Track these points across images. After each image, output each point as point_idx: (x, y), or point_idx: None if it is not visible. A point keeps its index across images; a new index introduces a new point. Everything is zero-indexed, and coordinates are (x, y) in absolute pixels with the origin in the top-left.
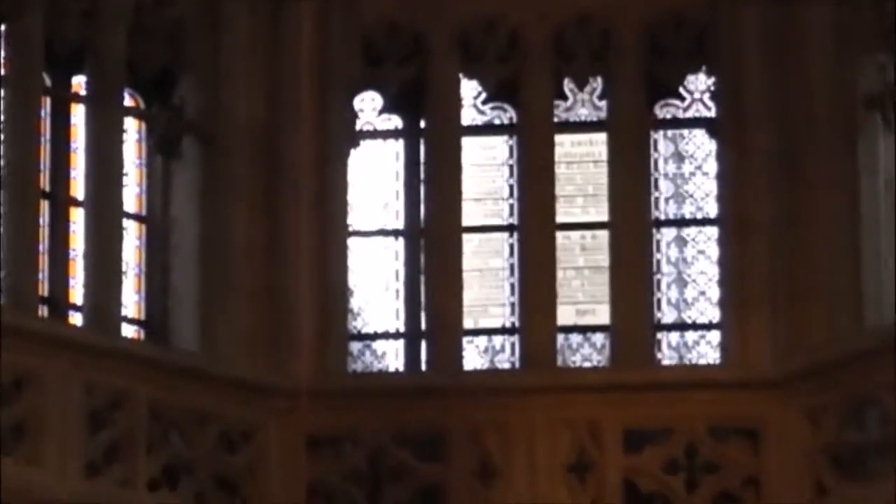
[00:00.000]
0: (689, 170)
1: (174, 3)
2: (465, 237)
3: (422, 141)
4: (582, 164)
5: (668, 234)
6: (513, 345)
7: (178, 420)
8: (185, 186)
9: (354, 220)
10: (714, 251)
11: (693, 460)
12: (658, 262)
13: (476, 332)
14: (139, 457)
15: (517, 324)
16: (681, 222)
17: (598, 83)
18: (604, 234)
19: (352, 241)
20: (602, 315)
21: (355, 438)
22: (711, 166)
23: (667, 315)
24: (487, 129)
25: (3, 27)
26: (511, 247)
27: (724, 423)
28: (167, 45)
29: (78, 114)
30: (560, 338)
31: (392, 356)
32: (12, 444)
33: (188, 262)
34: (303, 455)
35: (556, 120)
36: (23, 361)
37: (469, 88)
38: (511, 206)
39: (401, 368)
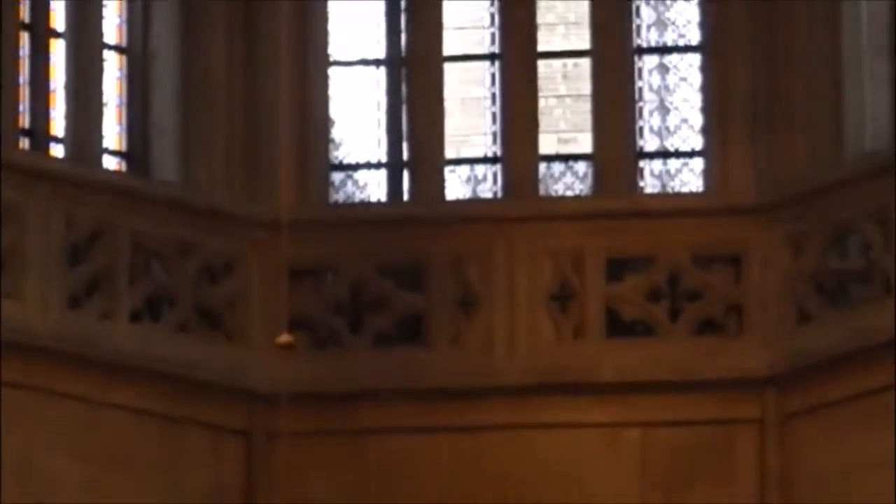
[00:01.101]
0: None
1: None
2: (447, 66)
3: None
4: None
5: (650, 61)
6: (495, 174)
7: (159, 252)
8: (165, 16)
9: (335, 50)
10: (696, 78)
11: (675, 288)
12: (640, 89)
13: (458, 162)
14: (121, 289)
15: (499, 153)
16: (663, 49)
17: None
18: (585, 63)
19: (333, 71)
20: (584, 143)
21: (336, 269)
22: None
23: (649, 143)
24: None
25: None
26: (493, 76)
27: (706, 250)
28: None
29: None
30: (542, 167)
31: (374, 186)
32: None
33: (169, 95)
34: (284, 286)
35: None
36: (3, 194)
37: None
38: (492, 35)
39: (382, 198)
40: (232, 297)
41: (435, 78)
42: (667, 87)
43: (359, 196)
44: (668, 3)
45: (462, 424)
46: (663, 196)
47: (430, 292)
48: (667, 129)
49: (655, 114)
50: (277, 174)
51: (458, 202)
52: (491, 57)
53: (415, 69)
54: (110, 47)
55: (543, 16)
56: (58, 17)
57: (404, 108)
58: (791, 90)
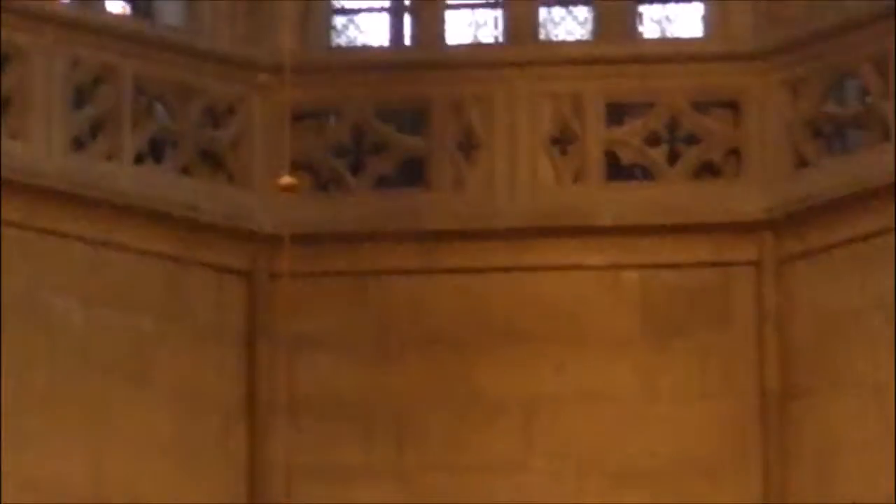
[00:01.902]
0: None
1: None
2: None
3: None
4: None
5: None
6: (496, 18)
7: (162, 94)
8: None
9: None
10: None
11: (674, 132)
12: None
13: (460, 6)
14: (124, 131)
15: None
16: None
17: None
18: None
19: None
20: None
21: (338, 112)
22: None
23: None
24: None
25: None
26: None
27: (705, 95)
28: None
29: None
30: (543, 11)
31: (376, 31)
32: None
33: None
34: (286, 129)
35: None
36: (8, 37)
37: None
38: None
39: (384, 43)
40: (234, 139)
41: None
42: None
43: (361, 40)
44: None
45: (462, 266)
46: (662, 41)
47: (431, 136)
48: None
49: None
50: (281, 17)
51: (459, 46)
52: None
53: None
54: None
55: None
56: None
57: None
58: None
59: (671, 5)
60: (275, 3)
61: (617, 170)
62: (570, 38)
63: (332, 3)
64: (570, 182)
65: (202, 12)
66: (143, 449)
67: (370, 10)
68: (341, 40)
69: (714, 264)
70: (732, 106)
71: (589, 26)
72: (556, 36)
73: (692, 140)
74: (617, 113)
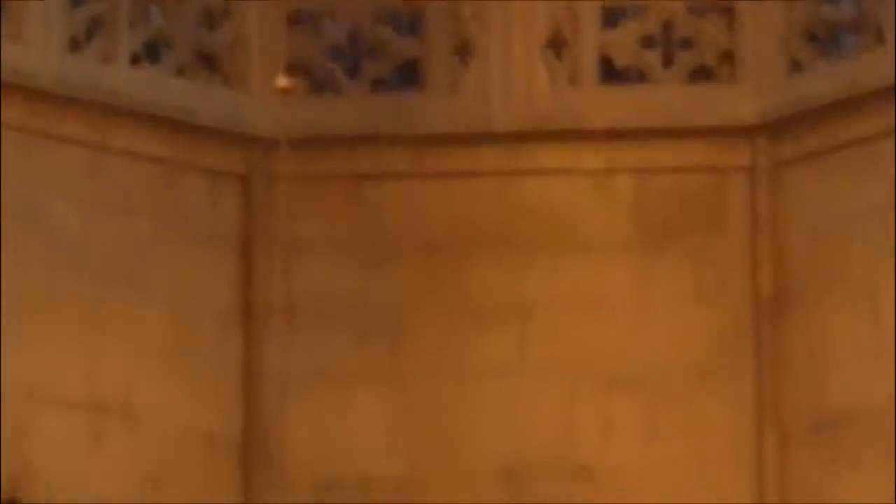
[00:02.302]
0: None
1: None
2: None
3: None
4: None
5: None
6: None
7: None
8: None
9: None
10: None
11: (669, 36)
12: None
13: None
14: (121, 32)
15: None
16: None
17: None
18: None
19: None
20: None
21: (334, 14)
22: None
23: None
24: None
25: None
26: None
27: None
28: None
29: None
30: None
31: None
32: None
33: None
34: (283, 31)
35: None
36: None
37: None
38: None
39: None
40: (231, 41)
41: None
42: None
43: None
44: None
45: (457, 170)
46: None
47: (426, 39)
48: None
49: None
50: None
51: None
52: None
53: None
54: None
55: None
56: None
57: None
58: None
59: None
60: None
61: (611, 73)
62: None
63: None
64: (564, 85)
65: None
66: (139, 352)
67: None
68: None
69: (708, 168)
70: (727, 9)
71: None
72: None
73: (687, 44)
74: (611, 16)
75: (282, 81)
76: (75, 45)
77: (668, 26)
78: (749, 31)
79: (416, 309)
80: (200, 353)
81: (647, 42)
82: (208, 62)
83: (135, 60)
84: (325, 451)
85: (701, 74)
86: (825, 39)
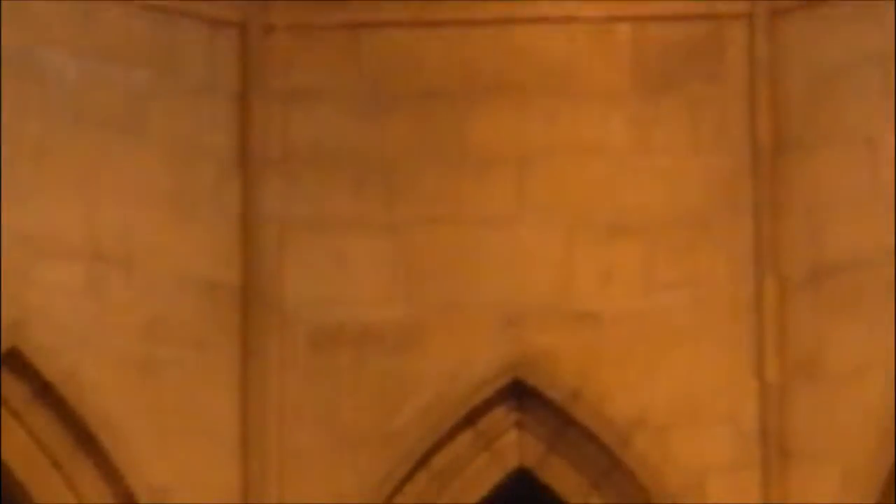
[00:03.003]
0: None
1: None
2: None
3: None
4: None
5: None
6: None
7: None
8: None
9: None
10: None
11: None
12: None
13: None
14: None
15: None
16: None
17: None
18: None
19: None
20: None
21: None
22: None
23: None
24: None
25: None
26: None
27: None
28: None
29: None
30: None
31: None
32: None
33: None
34: None
35: None
36: None
37: None
38: None
39: None
40: None
41: None
42: None
43: None
44: None
45: (456, 19)
46: None
47: None
48: None
49: None
50: None
51: None
52: None
53: None
54: None
55: None
56: None
57: None
58: None
59: None
60: None
61: None
62: None
63: None
64: None
65: None
66: (138, 202)
67: None
68: None
69: (706, 17)
70: None
71: None
72: None
73: None
74: None
75: None
76: None
77: None
78: None
79: (414, 157)
80: (199, 202)
81: None
82: None
83: None
84: (324, 298)
85: None
86: None
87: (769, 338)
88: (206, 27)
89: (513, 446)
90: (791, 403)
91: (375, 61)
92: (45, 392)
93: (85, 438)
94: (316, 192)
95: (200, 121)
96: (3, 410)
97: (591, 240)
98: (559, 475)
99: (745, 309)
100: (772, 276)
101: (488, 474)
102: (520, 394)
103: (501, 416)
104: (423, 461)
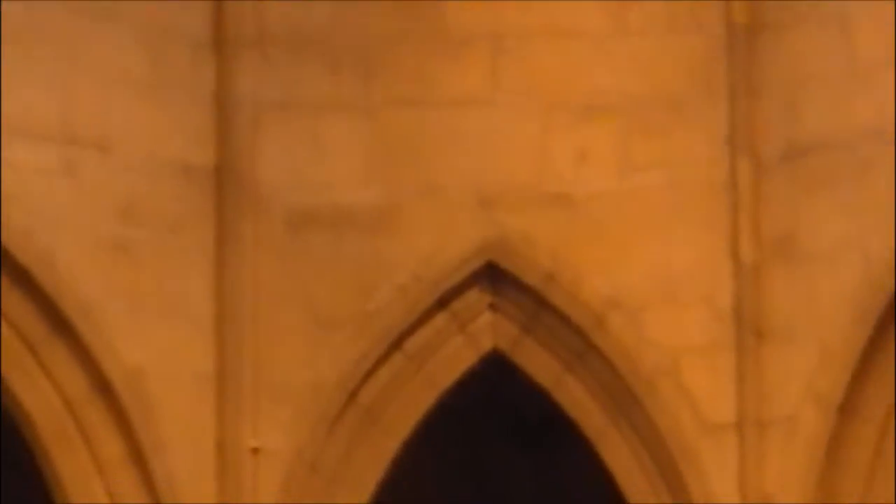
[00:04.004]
0: None
1: None
2: None
3: None
4: None
5: None
6: None
7: None
8: None
9: None
10: None
11: None
12: None
13: None
14: None
15: None
16: None
17: None
18: None
19: None
20: None
21: None
22: None
23: None
24: None
25: None
26: None
27: None
28: None
29: None
30: None
31: None
32: None
33: None
34: None
35: None
36: None
37: None
38: None
39: None
40: None
41: None
42: None
43: None
44: None
45: None
46: None
47: None
48: None
49: None
50: None
51: None
52: None
53: None
54: None
55: None
56: None
57: None
58: None
59: None
60: None
61: None
62: None
63: None
64: None
65: None
66: (112, 84)
67: None
68: None
69: None
70: None
71: None
72: None
73: None
74: None
75: None
76: None
77: None
78: None
79: (390, 39)
80: (173, 84)
81: None
82: None
83: None
84: (299, 181)
85: None
86: None
87: (744, 218)
88: None
89: (487, 328)
90: (766, 284)
91: None
92: (20, 275)
93: (59, 321)
94: (291, 74)
95: (174, 3)
96: None
97: (566, 121)
98: (533, 357)
99: (720, 189)
100: (747, 157)
101: (462, 356)
102: (494, 276)
103: (475, 298)
104: (398, 343)
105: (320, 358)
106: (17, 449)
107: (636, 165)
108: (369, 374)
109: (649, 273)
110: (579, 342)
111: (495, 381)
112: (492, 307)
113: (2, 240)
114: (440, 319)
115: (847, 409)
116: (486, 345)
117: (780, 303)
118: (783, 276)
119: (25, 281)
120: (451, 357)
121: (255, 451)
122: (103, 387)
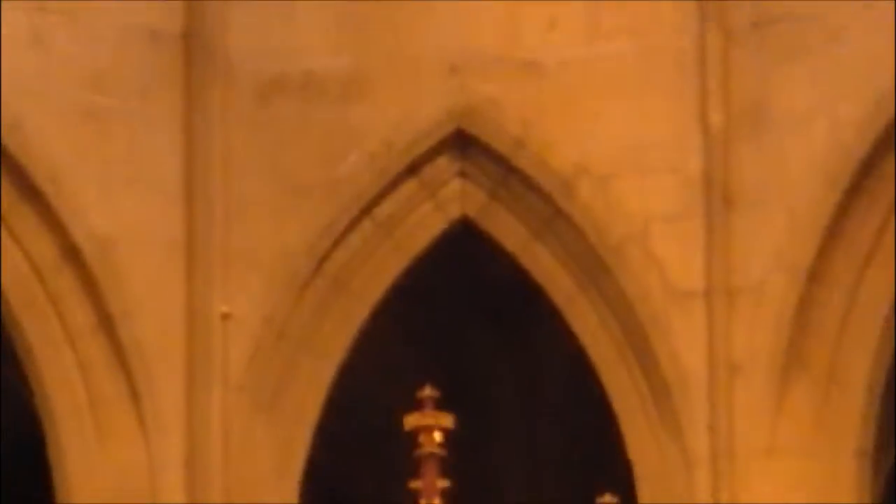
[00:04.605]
0: None
1: None
2: None
3: None
4: None
5: None
6: None
7: None
8: None
9: None
10: None
11: None
12: None
13: None
14: None
15: None
16: None
17: None
18: None
19: None
20: None
21: None
22: None
23: None
24: None
25: None
26: None
27: None
28: None
29: None
30: None
31: None
32: None
33: None
34: None
35: None
36: None
37: None
38: None
39: None
40: None
41: None
42: None
43: None
44: None
45: None
46: None
47: None
48: None
49: None
50: None
51: None
52: None
53: None
54: None
55: None
56: None
57: None
58: None
59: None
60: None
61: None
62: None
63: None
64: None
65: None
66: None
67: None
68: None
69: None
70: None
71: None
72: None
73: None
74: None
75: None
76: None
77: None
78: None
79: None
80: None
81: None
82: None
83: None
84: (268, 48)
85: None
86: None
87: (714, 86)
88: None
89: (456, 195)
90: (735, 152)
91: None
92: None
93: (28, 188)
94: None
95: None
96: None
97: None
98: (501, 224)
99: (690, 58)
100: (715, 25)
101: (431, 223)
102: (463, 143)
103: (445, 165)
104: (367, 210)
105: (289, 225)
106: None
107: (605, 33)
108: (338, 241)
109: (618, 140)
110: (548, 209)
111: (465, 248)
112: (461, 174)
113: None
114: (409, 186)
115: (816, 275)
116: (455, 211)
117: (748, 171)
118: (752, 144)
119: None
120: (420, 224)
121: (226, 316)
122: (72, 254)
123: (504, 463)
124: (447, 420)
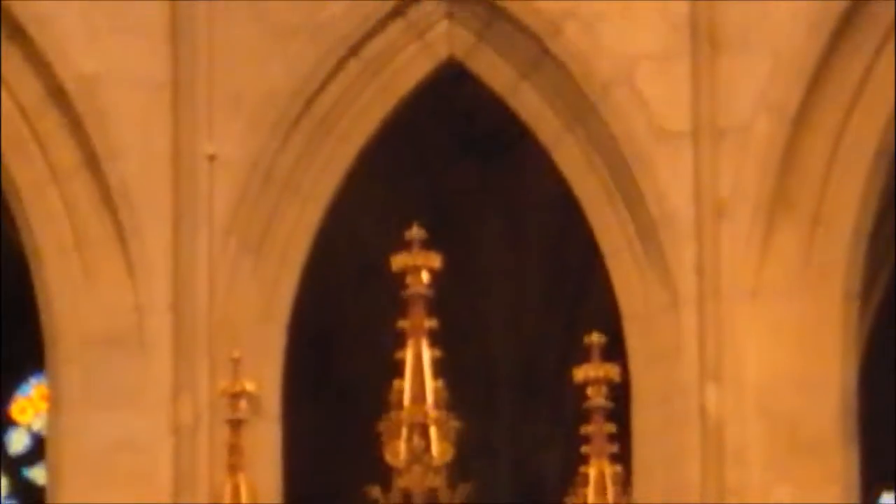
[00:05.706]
0: None
1: None
2: None
3: None
4: None
5: None
6: None
7: None
8: None
9: None
10: None
11: None
12: None
13: None
14: None
15: None
16: None
17: None
18: None
19: None
20: None
21: None
22: None
23: None
24: None
25: None
26: None
27: None
28: None
29: None
30: None
31: None
32: None
33: None
34: None
35: None
36: None
37: None
38: None
39: None
40: None
41: None
42: None
43: None
44: None
45: None
46: None
47: None
48: None
49: None
50: None
51: None
52: None
53: None
54: None
55: None
56: None
57: None
58: None
59: None
60: None
61: None
62: None
63: None
64: None
65: None
66: None
67: None
68: None
69: None
70: None
71: None
72: None
73: None
74: None
75: None
76: None
77: None
78: None
79: None
80: None
81: None
82: None
83: None
84: None
85: None
86: None
87: None
88: None
89: (443, 36)
90: None
91: None
92: None
93: (14, 28)
94: None
95: None
96: None
97: None
98: (488, 65)
99: None
100: None
101: (418, 64)
102: None
103: (432, 6)
104: (354, 50)
105: (275, 67)
106: None
107: None
108: (325, 82)
109: None
110: (535, 50)
111: (452, 89)
112: (448, 15)
113: None
114: (396, 27)
115: (800, 118)
116: (443, 52)
117: (735, 12)
118: None
119: None
120: (407, 64)
121: (212, 158)
122: (58, 94)
123: (490, 302)
124: (434, 260)
